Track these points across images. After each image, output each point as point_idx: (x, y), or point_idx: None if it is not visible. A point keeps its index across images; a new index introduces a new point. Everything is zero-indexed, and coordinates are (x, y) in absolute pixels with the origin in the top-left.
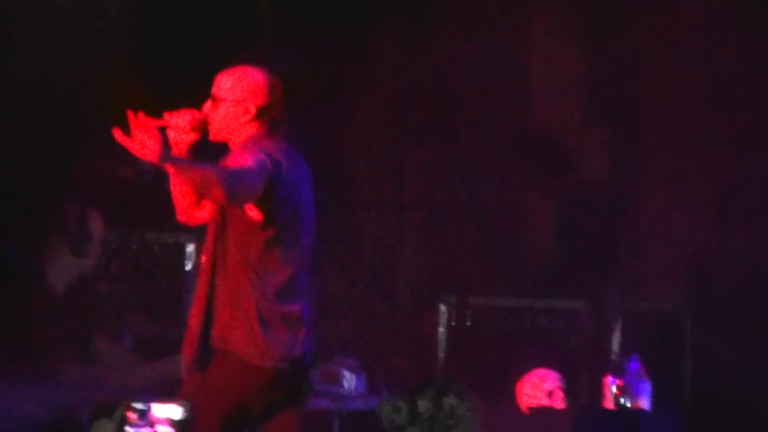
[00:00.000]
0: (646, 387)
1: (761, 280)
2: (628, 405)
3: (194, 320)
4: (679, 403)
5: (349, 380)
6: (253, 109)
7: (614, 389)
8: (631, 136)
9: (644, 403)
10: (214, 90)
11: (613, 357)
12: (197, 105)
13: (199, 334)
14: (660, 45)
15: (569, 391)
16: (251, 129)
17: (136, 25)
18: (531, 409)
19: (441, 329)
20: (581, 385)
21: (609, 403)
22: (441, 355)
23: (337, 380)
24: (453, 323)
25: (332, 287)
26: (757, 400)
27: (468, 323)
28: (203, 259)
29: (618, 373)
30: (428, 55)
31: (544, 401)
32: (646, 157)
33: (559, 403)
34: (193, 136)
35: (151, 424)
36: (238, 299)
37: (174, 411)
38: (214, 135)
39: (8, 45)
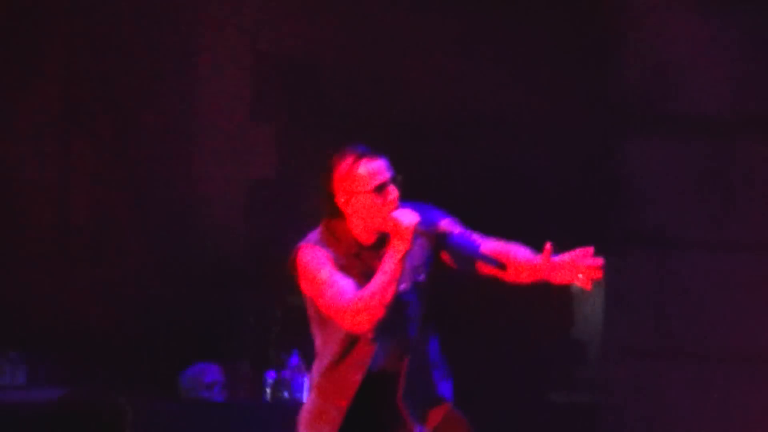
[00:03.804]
0: (306, 380)
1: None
2: (288, 398)
3: None
4: None
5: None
6: None
7: (274, 383)
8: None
9: (304, 397)
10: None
11: (274, 351)
12: None
13: None
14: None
15: (229, 385)
16: None
17: None
18: (190, 399)
19: None
20: (242, 379)
21: (269, 397)
22: None
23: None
24: None
25: None
26: None
27: None
28: None
29: (278, 367)
30: (96, 51)
31: (205, 394)
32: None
33: (218, 396)
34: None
35: None
36: None
37: None
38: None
39: None
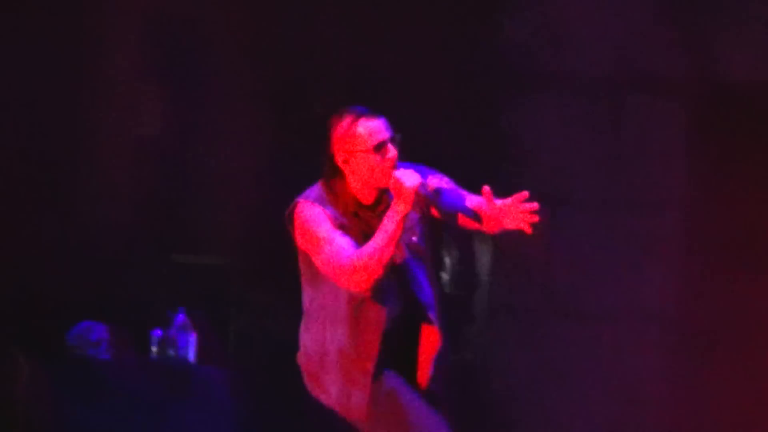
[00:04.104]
0: (192, 339)
1: None
2: (174, 356)
3: None
4: (227, 356)
5: None
6: None
7: (160, 341)
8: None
9: (190, 355)
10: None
11: (160, 309)
12: None
13: None
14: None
15: (116, 342)
16: None
17: None
18: (77, 357)
19: None
20: (129, 337)
21: (155, 355)
22: None
23: None
24: None
25: None
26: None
27: None
28: None
29: (164, 325)
30: None
31: (91, 351)
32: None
33: (104, 353)
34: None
35: None
36: None
37: None
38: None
39: None
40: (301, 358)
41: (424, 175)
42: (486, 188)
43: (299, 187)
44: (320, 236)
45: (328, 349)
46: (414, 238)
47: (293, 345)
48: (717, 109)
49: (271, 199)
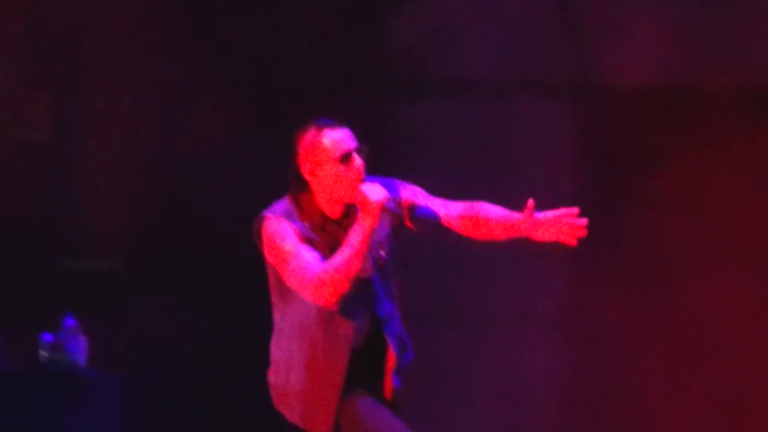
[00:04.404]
0: (82, 343)
1: (205, 233)
2: (64, 360)
3: None
4: (117, 360)
5: None
6: None
7: (50, 345)
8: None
9: (80, 359)
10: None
11: (50, 313)
12: None
13: None
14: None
15: (5, 347)
16: None
17: None
18: None
19: None
20: (18, 342)
21: (44, 359)
22: None
23: None
24: None
25: None
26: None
27: None
28: None
29: (54, 329)
30: None
31: None
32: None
33: None
34: None
35: None
36: None
37: None
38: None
39: None
40: (270, 373)
41: (395, 189)
42: (530, 202)
43: (191, 192)
44: (286, 250)
45: (295, 364)
46: (382, 253)
47: (184, 349)
48: (603, 112)
49: (162, 204)
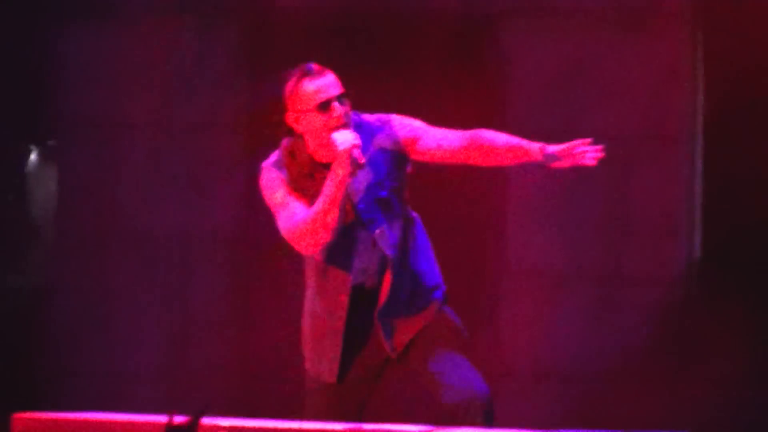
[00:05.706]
0: None
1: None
2: None
3: None
4: None
5: None
6: None
7: None
8: None
9: None
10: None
11: None
12: None
13: None
14: None
15: None
16: None
17: None
18: None
19: None
20: None
21: None
22: None
23: None
24: None
25: None
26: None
27: None
28: None
29: None
30: None
31: None
32: None
33: None
34: None
35: None
36: None
37: None
38: None
39: None
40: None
41: (391, 127)
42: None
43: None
44: (276, 201)
45: (306, 312)
46: (383, 193)
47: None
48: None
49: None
